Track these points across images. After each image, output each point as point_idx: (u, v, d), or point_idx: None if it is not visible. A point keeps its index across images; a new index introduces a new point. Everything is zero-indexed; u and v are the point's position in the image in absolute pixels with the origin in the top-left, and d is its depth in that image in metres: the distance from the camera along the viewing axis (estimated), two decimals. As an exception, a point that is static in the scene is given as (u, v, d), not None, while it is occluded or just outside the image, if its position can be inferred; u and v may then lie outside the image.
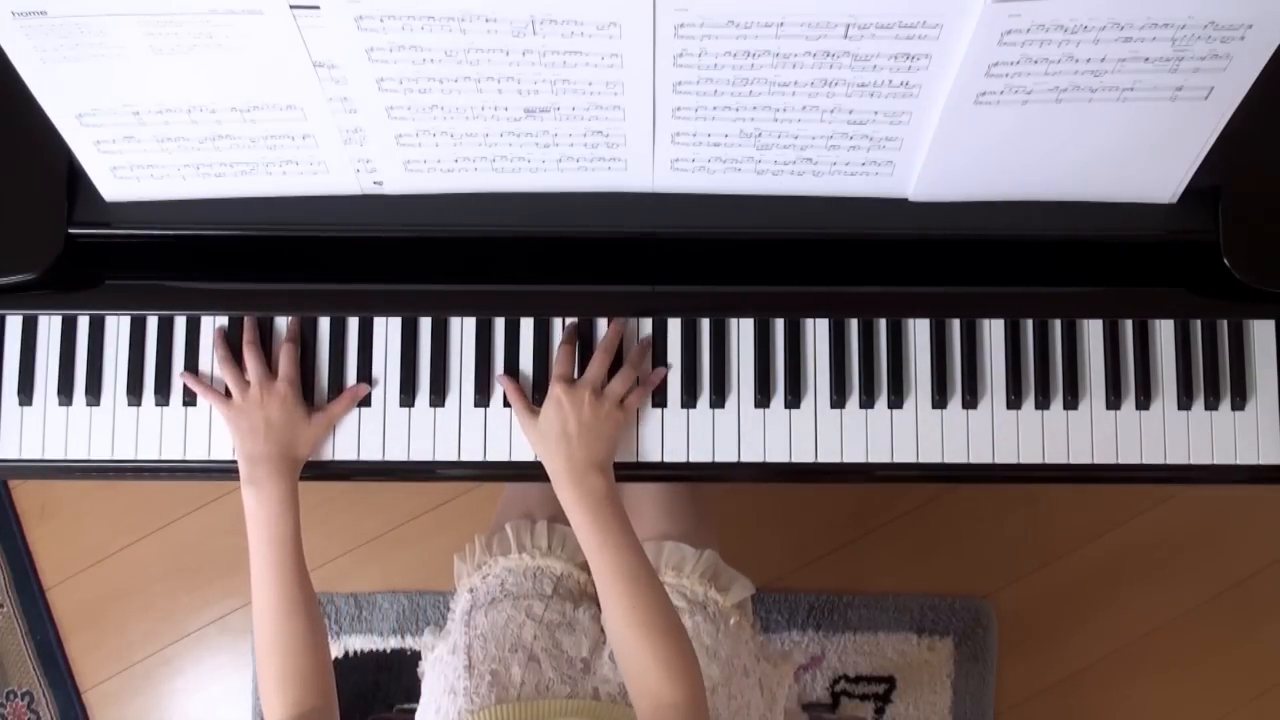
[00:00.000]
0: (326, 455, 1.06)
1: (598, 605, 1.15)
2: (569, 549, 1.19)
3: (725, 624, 1.11)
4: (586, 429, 0.99)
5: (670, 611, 0.94)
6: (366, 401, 1.06)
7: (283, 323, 1.06)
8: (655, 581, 0.95)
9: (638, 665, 0.91)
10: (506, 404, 1.05)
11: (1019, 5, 0.75)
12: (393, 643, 1.82)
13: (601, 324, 1.06)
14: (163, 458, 1.06)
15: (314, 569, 1.89)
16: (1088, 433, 1.06)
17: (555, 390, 1.01)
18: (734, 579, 1.16)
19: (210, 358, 1.06)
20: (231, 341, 1.05)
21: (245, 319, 1.05)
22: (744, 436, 1.06)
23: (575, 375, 1.04)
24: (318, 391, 1.06)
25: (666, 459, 1.05)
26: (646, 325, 1.06)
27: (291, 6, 0.79)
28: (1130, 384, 1.06)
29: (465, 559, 1.19)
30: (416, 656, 1.79)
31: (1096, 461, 1.06)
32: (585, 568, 1.20)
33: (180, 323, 1.06)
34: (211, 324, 1.06)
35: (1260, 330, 1.07)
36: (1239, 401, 1.05)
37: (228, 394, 1.04)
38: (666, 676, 0.89)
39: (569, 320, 1.06)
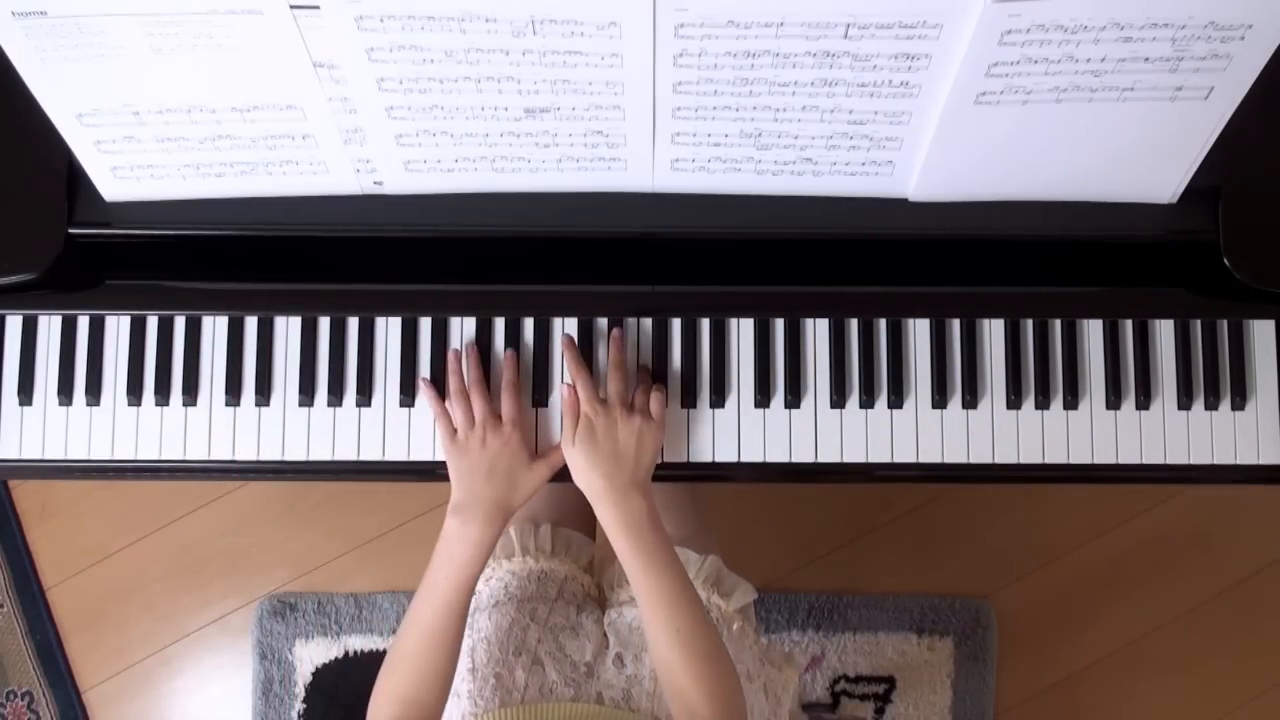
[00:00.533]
0: (325, 455, 1.06)
1: (601, 609, 1.15)
2: (573, 552, 1.19)
3: (728, 629, 1.11)
4: (623, 448, 0.98)
5: (712, 632, 0.95)
6: (367, 402, 1.06)
7: (499, 349, 1.06)
8: (697, 603, 0.95)
9: (678, 684, 0.92)
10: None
11: (1019, 5, 0.75)
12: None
13: (601, 324, 1.06)
14: (163, 458, 1.06)
15: (314, 569, 1.91)
16: (1088, 433, 1.06)
17: (585, 412, 1.00)
18: (736, 584, 1.16)
19: (209, 367, 1.06)
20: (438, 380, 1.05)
21: (467, 357, 1.04)
22: (744, 436, 1.06)
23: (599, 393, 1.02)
24: (317, 390, 1.06)
25: (667, 459, 1.05)
26: (647, 325, 1.06)
27: (291, 6, 0.79)
28: (1130, 384, 1.06)
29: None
30: (416, 656, 1.79)
31: (1096, 461, 1.06)
32: (589, 571, 1.20)
33: (180, 323, 1.06)
34: (211, 334, 1.06)
35: (1260, 330, 1.07)
36: (1239, 401, 1.05)
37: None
38: (706, 698, 0.90)
39: (565, 335, 1.05)
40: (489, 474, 0.99)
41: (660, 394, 1.02)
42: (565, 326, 1.06)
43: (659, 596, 0.94)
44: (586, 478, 0.98)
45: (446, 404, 1.03)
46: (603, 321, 1.06)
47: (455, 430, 1.01)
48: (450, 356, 1.04)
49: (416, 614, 0.96)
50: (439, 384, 1.05)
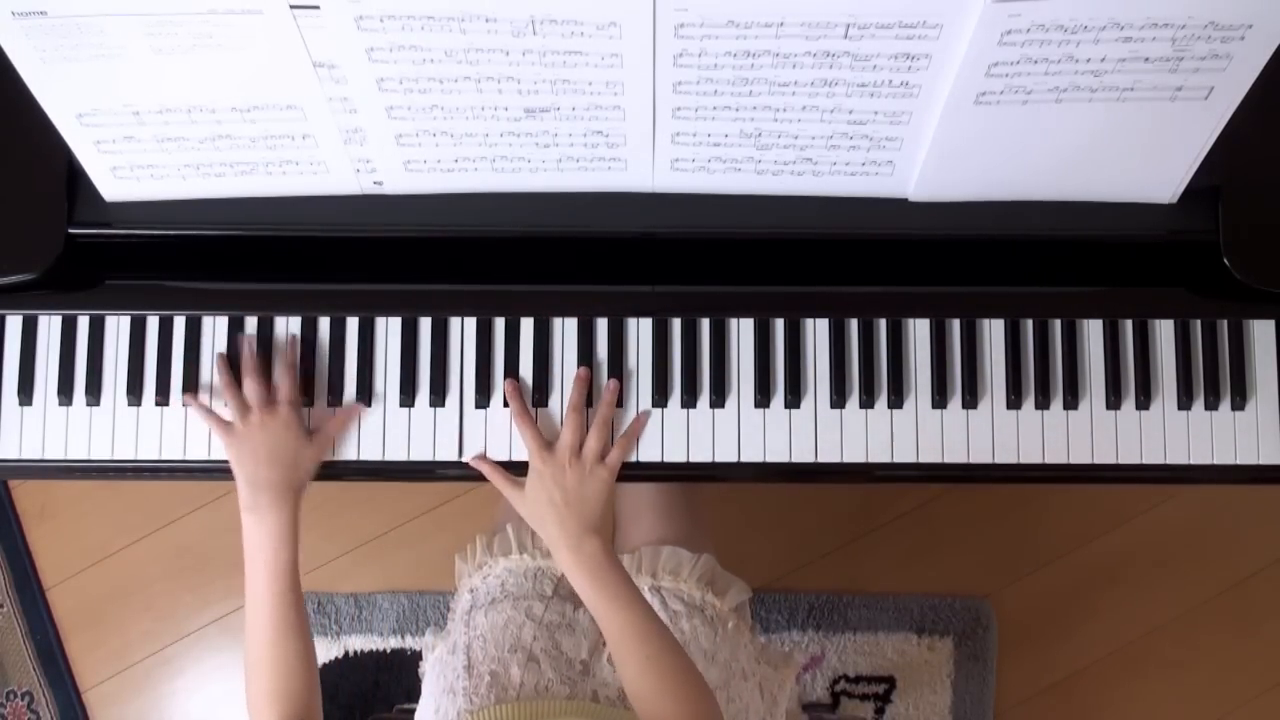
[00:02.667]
0: (326, 455, 1.06)
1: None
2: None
3: (724, 627, 1.11)
4: (573, 494, 0.99)
5: (681, 652, 0.95)
6: (367, 401, 1.06)
7: (281, 337, 1.06)
8: (664, 632, 0.95)
9: (657, 709, 0.91)
10: (506, 404, 1.05)
11: (1019, 5, 0.75)
12: (393, 643, 1.82)
13: (601, 325, 1.06)
14: (163, 458, 1.06)
15: (314, 569, 1.91)
16: (1088, 433, 1.06)
17: (534, 462, 1.01)
18: (731, 582, 1.16)
19: (209, 367, 1.05)
20: (232, 364, 1.04)
21: (244, 343, 1.04)
22: (744, 436, 1.06)
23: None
24: (318, 393, 1.06)
25: (666, 459, 1.05)
26: (647, 325, 1.06)
27: (291, 6, 0.79)
28: (1130, 384, 1.06)
29: (466, 559, 1.19)
30: (416, 656, 1.79)
31: (1096, 461, 1.06)
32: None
33: (180, 323, 1.06)
34: (211, 334, 1.06)
35: (1260, 330, 1.07)
36: (1239, 401, 1.05)
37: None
38: (688, 716, 0.90)
39: (507, 381, 1.04)
40: (270, 457, 0.99)
41: (624, 445, 1.03)
42: (565, 326, 1.06)
43: (628, 630, 0.94)
44: (540, 526, 1.00)
45: (221, 399, 1.03)
46: (603, 322, 1.06)
47: (229, 424, 1.01)
48: (217, 359, 1.04)
49: (252, 617, 0.97)
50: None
